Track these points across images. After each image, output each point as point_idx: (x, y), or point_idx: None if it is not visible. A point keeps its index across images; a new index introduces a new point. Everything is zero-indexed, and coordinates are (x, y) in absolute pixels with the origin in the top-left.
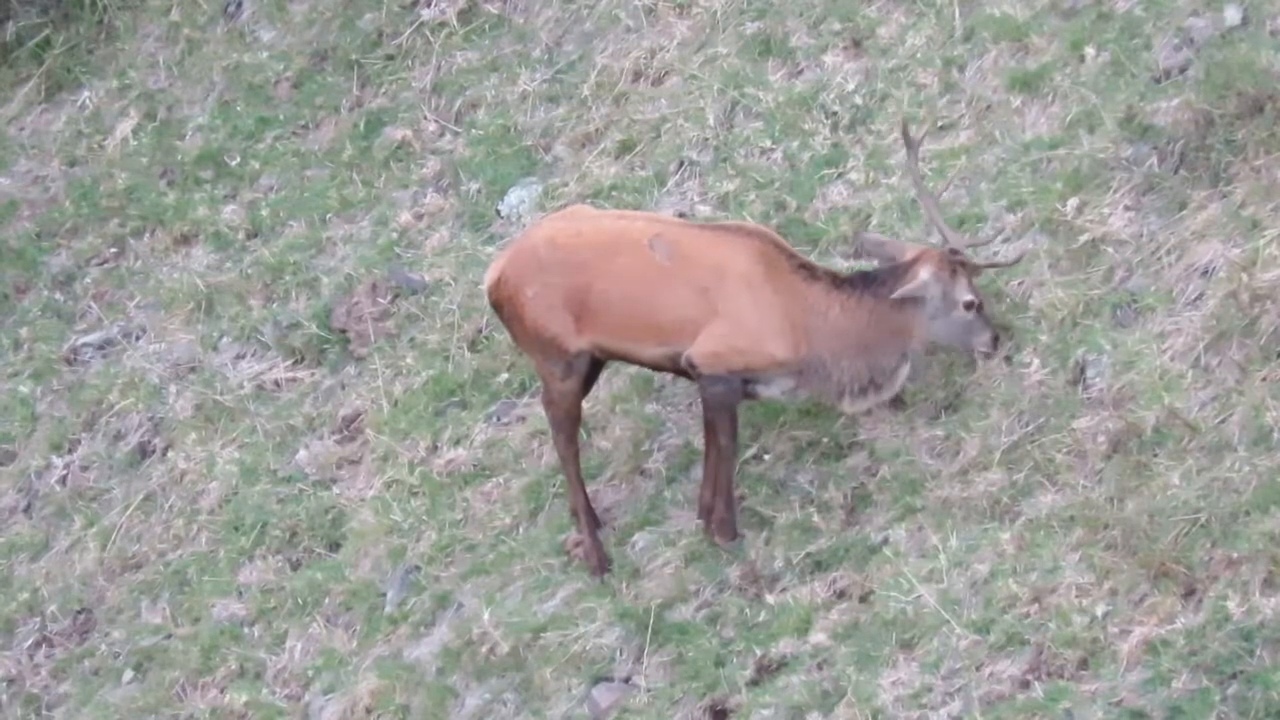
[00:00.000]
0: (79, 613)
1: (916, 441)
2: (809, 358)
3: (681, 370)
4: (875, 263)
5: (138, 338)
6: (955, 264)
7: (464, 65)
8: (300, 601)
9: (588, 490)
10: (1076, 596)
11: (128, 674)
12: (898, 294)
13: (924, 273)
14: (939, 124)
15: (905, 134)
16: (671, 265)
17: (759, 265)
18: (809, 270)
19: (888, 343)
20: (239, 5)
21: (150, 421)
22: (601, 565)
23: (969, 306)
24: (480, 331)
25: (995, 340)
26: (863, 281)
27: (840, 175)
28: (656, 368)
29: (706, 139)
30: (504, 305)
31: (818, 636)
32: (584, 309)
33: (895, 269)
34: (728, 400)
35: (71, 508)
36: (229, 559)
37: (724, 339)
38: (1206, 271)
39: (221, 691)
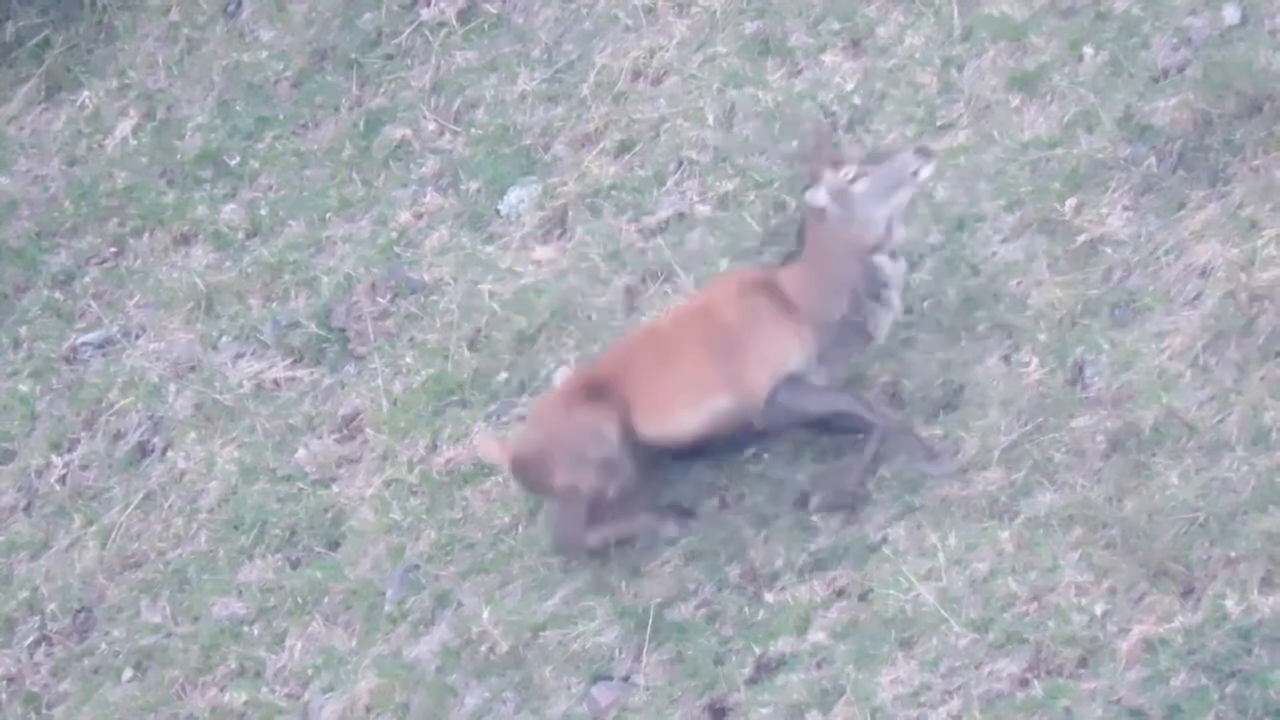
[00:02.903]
0: (79, 611)
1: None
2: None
3: None
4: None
5: (137, 337)
6: None
7: (463, 65)
8: (300, 600)
9: None
10: (1075, 595)
11: (127, 672)
12: None
13: None
14: (938, 124)
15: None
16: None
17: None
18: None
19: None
20: (238, 5)
21: (150, 420)
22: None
23: None
24: (479, 331)
25: None
26: None
27: None
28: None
29: (706, 139)
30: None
31: (817, 635)
32: None
33: None
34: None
35: (71, 507)
36: (228, 558)
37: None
38: (1205, 271)
39: (221, 690)
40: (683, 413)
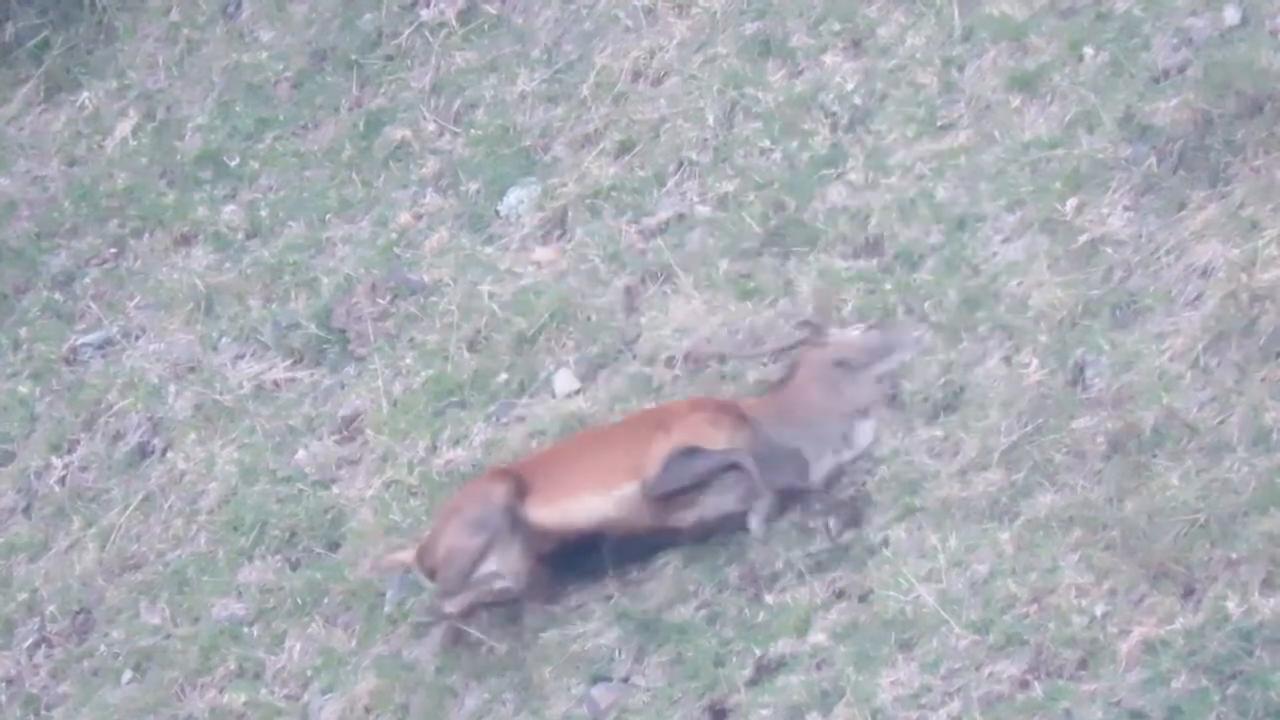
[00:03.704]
0: (78, 613)
1: (915, 442)
2: None
3: None
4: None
5: (137, 338)
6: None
7: (463, 65)
8: (299, 601)
9: None
10: (1076, 597)
11: (127, 674)
12: None
13: None
14: (939, 124)
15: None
16: None
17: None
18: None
19: None
20: (238, 5)
21: (149, 421)
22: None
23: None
24: (479, 332)
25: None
26: None
27: (839, 176)
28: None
29: (706, 139)
30: None
31: (817, 636)
32: None
33: None
34: None
35: (70, 508)
36: (228, 559)
37: None
38: (1205, 272)
39: (221, 691)
40: (586, 495)
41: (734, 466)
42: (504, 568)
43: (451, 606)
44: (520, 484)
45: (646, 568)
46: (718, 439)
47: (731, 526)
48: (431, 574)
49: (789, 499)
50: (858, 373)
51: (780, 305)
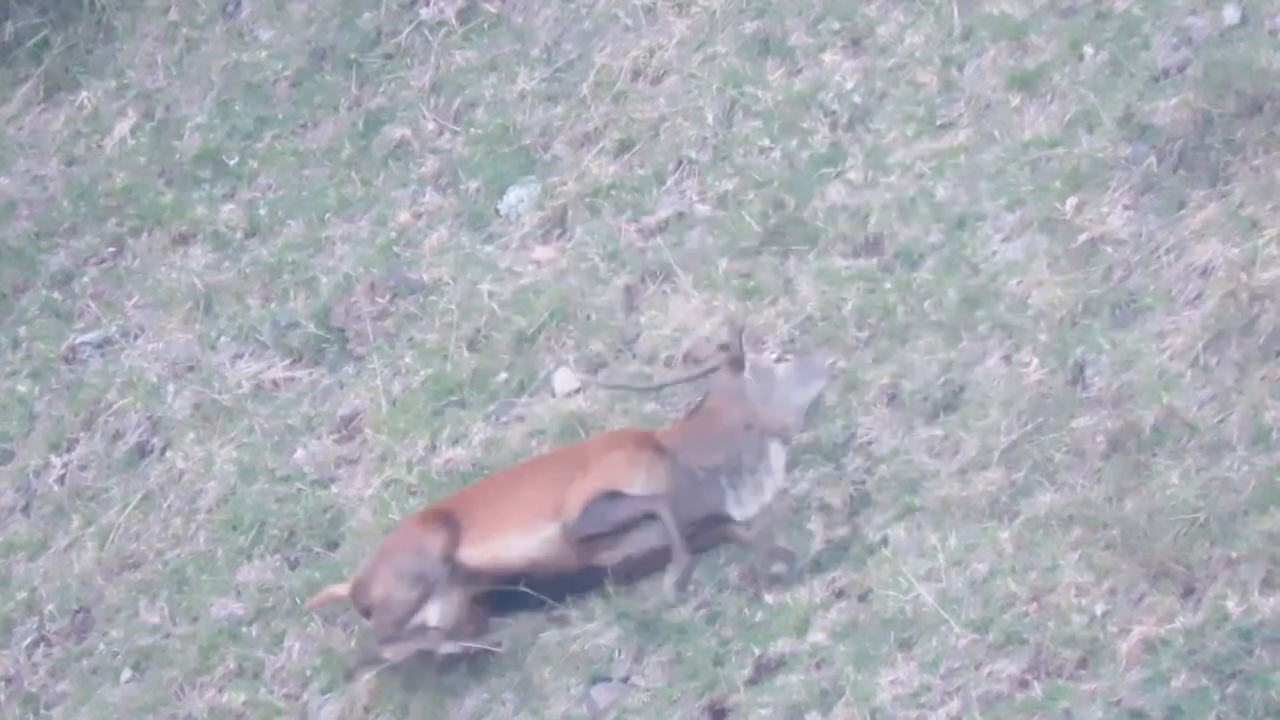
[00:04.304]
0: (77, 612)
1: (915, 441)
2: None
3: None
4: None
5: (136, 337)
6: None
7: (463, 64)
8: (299, 601)
9: None
10: (1075, 596)
11: (126, 673)
12: None
13: None
14: (938, 123)
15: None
16: None
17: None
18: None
19: None
20: (238, 4)
21: (148, 421)
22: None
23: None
24: (479, 331)
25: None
26: None
27: (839, 174)
28: None
29: (705, 138)
30: None
31: (816, 636)
32: None
33: None
34: None
35: (70, 507)
36: (227, 558)
37: None
38: (1205, 271)
39: (220, 691)
40: (512, 537)
41: (652, 516)
42: (443, 615)
43: (389, 654)
44: (453, 527)
45: (579, 603)
46: (636, 477)
47: (661, 561)
48: (365, 612)
49: (713, 539)
50: (772, 399)
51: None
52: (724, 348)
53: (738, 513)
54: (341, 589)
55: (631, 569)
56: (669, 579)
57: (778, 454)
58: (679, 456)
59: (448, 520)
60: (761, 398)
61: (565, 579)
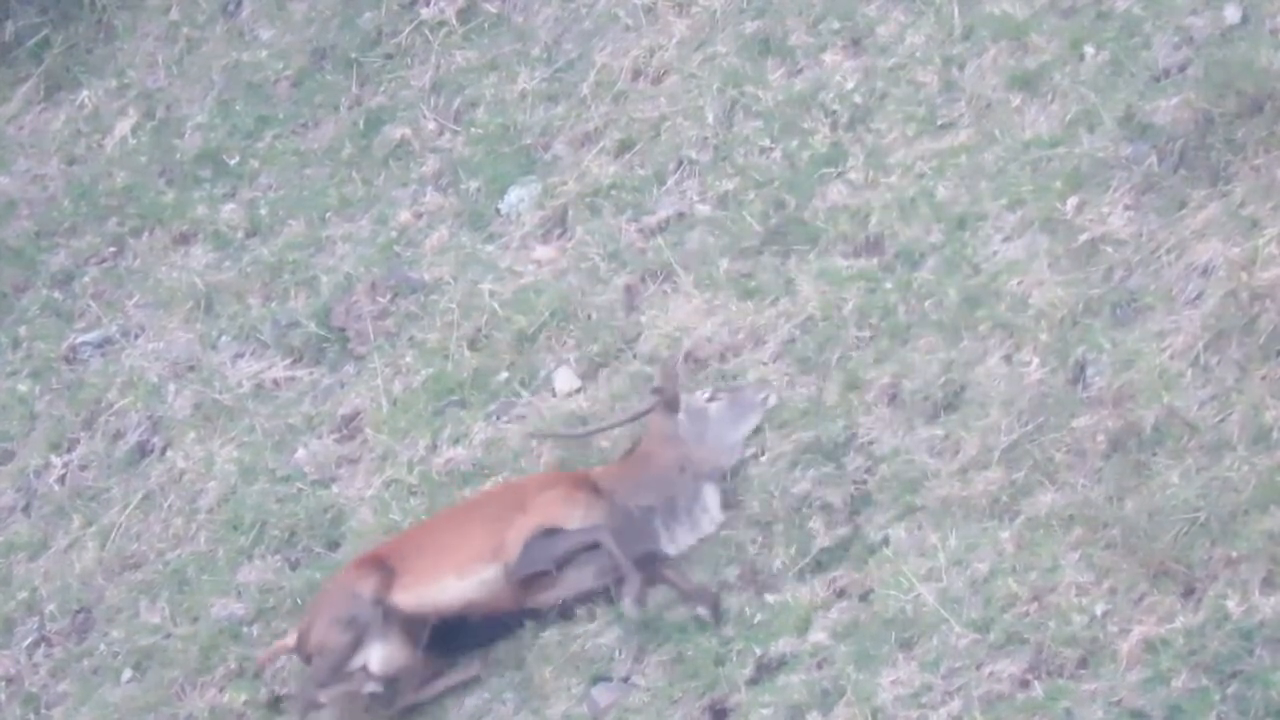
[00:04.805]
0: (78, 612)
1: (916, 440)
2: None
3: None
4: None
5: (136, 336)
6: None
7: (463, 64)
8: (299, 601)
9: None
10: (1076, 596)
11: (126, 673)
12: None
13: None
14: (939, 123)
15: None
16: None
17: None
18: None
19: None
20: (238, 4)
21: (149, 420)
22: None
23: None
24: (479, 330)
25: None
26: None
27: (839, 174)
28: None
29: (706, 138)
30: None
31: (817, 635)
32: None
33: None
34: None
35: (70, 507)
36: (228, 558)
37: None
38: (1206, 270)
39: (220, 691)
40: (448, 580)
41: (594, 545)
42: (382, 659)
43: (323, 697)
44: (387, 572)
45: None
46: (573, 516)
47: (592, 598)
48: (309, 660)
49: (650, 572)
50: (707, 439)
51: (781, 304)
52: (657, 391)
53: (671, 549)
54: (290, 639)
55: (566, 607)
56: (626, 599)
57: (712, 494)
58: (614, 497)
59: (381, 565)
60: (696, 438)
61: (496, 620)
